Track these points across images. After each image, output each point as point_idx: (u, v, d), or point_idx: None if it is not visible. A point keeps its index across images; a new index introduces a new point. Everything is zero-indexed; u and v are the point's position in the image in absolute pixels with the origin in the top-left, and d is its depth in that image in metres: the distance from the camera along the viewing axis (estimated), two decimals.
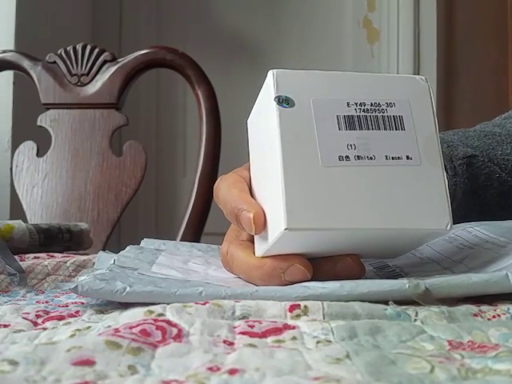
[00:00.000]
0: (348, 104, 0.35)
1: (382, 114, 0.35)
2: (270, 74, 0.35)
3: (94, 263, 0.44)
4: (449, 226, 0.34)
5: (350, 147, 0.34)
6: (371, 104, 0.35)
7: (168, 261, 0.43)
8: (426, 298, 0.30)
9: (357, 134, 0.34)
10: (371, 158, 0.34)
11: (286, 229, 0.32)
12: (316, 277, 0.34)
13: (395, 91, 0.36)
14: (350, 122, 0.34)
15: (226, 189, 0.37)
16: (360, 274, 0.34)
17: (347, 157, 0.34)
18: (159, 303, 0.28)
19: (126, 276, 0.35)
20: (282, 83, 0.35)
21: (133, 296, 0.31)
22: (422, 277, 0.33)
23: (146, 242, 0.54)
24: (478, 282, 0.30)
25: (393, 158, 0.34)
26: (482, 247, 0.39)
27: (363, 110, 0.35)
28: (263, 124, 0.36)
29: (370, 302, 0.29)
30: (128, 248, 0.47)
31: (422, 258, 0.41)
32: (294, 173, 0.33)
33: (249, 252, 0.36)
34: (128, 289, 0.31)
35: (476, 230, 0.42)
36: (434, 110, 0.36)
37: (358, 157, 0.34)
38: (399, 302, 0.30)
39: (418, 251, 0.42)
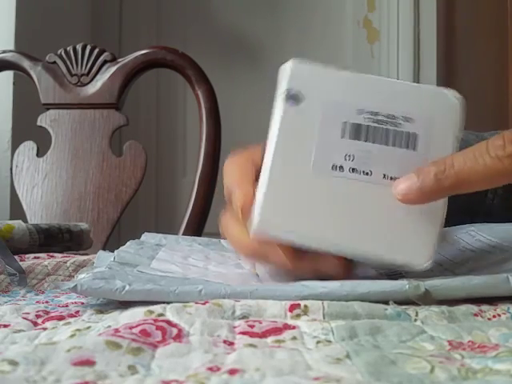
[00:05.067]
0: (360, 111, 0.32)
1: (394, 127, 0.32)
2: (289, 64, 0.33)
3: (93, 263, 0.44)
4: (427, 264, 0.32)
5: (347, 158, 0.32)
6: (386, 115, 0.32)
7: (168, 256, 0.43)
8: (425, 300, 0.30)
9: (360, 145, 0.32)
10: (367, 174, 0.32)
11: (253, 231, 0.31)
12: (299, 270, 0.33)
13: (419, 105, 0.32)
14: (356, 132, 0.32)
15: (229, 168, 0.37)
16: (344, 277, 0.33)
17: (341, 167, 0.32)
18: (159, 303, 0.28)
19: (125, 274, 0.35)
20: (296, 77, 0.33)
21: (132, 294, 0.31)
22: (423, 277, 0.33)
23: (147, 236, 0.54)
24: (478, 284, 0.30)
25: (391, 179, 0.32)
26: (484, 251, 0.38)
27: (374, 121, 0.32)
28: (274, 112, 0.34)
29: (370, 301, 0.29)
30: (128, 243, 0.47)
31: None
32: (281, 174, 0.32)
33: (242, 228, 0.35)
34: (127, 287, 0.31)
35: (479, 235, 0.42)
36: (459, 134, 0.33)
37: (352, 169, 0.32)
38: (399, 302, 0.30)
39: None
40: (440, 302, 0.30)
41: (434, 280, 0.31)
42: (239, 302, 0.28)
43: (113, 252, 0.45)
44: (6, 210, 1.39)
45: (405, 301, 0.30)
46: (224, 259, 0.45)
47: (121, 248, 0.45)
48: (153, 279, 0.34)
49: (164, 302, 0.29)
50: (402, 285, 0.30)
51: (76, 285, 0.31)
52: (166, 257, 0.43)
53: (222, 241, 0.53)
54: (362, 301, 0.29)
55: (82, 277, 0.33)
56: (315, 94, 0.33)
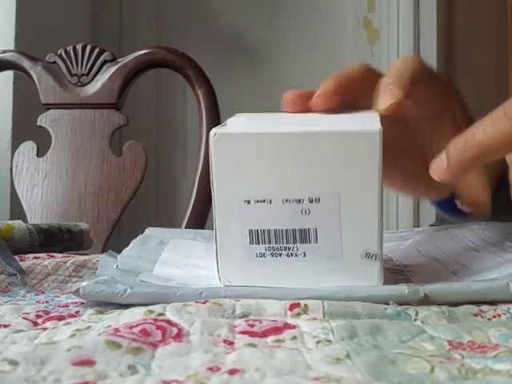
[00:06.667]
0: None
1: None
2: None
3: (93, 263, 0.44)
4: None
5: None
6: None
7: (171, 258, 0.43)
8: (425, 305, 0.30)
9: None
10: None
11: None
12: None
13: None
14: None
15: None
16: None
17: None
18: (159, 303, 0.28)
19: (126, 281, 0.35)
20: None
21: (134, 297, 0.31)
22: (425, 277, 0.33)
23: (150, 231, 0.54)
24: (477, 291, 0.31)
25: None
26: (487, 251, 0.39)
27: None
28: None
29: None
30: (131, 244, 0.47)
31: (426, 256, 0.41)
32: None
33: None
34: (129, 290, 0.31)
35: (484, 233, 0.42)
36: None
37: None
38: (399, 303, 0.30)
39: (423, 248, 0.43)
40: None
41: (433, 285, 0.31)
42: (239, 301, 0.28)
43: (115, 252, 0.44)
44: (5, 210, 1.39)
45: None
46: None
47: (124, 252, 0.44)
48: (154, 286, 0.34)
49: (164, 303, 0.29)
50: (401, 289, 0.30)
51: (78, 289, 0.32)
52: (169, 258, 0.43)
53: None
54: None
55: (85, 284, 0.33)
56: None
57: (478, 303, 0.30)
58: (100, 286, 0.32)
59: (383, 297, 0.30)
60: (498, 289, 0.30)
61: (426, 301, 0.30)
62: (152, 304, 0.29)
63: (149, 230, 0.53)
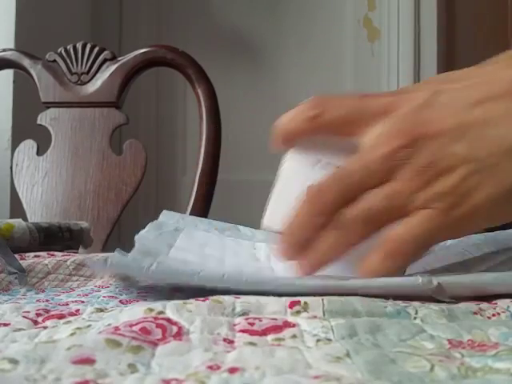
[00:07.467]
0: None
1: None
2: None
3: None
4: None
5: None
6: None
7: (186, 244, 0.44)
8: (439, 294, 0.30)
9: None
10: None
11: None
12: None
13: None
14: None
15: None
16: None
17: None
18: (163, 300, 0.28)
19: (148, 261, 0.35)
20: None
21: (159, 274, 0.32)
22: (438, 270, 0.33)
23: (166, 216, 0.54)
24: (490, 281, 0.31)
25: None
26: (490, 259, 0.39)
27: None
28: None
29: (372, 296, 0.29)
30: (148, 227, 0.47)
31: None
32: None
33: None
34: (155, 265, 0.32)
35: (485, 245, 0.42)
36: None
37: None
38: (399, 299, 0.30)
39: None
40: (440, 301, 0.30)
41: (446, 275, 0.32)
42: (239, 299, 0.28)
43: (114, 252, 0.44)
44: (5, 209, 1.39)
45: (405, 297, 0.30)
46: (240, 248, 0.47)
47: (141, 232, 0.44)
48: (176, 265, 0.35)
49: (168, 300, 0.29)
50: (415, 279, 0.31)
51: (106, 259, 0.32)
52: (184, 245, 0.43)
53: (238, 226, 0.53)
54: (371, 295, 0.30)
55: (114, 254, 0.34)
56: None
57: (477, 301, 0.30)
58: (126, 259, 0.32)
59: (398, 286, 0.31)
60: (507, 277, 0.31)
61: (439, 290, 0.30)
62: (173, 283, 0.29)
63: (163, 215, 0.54)
